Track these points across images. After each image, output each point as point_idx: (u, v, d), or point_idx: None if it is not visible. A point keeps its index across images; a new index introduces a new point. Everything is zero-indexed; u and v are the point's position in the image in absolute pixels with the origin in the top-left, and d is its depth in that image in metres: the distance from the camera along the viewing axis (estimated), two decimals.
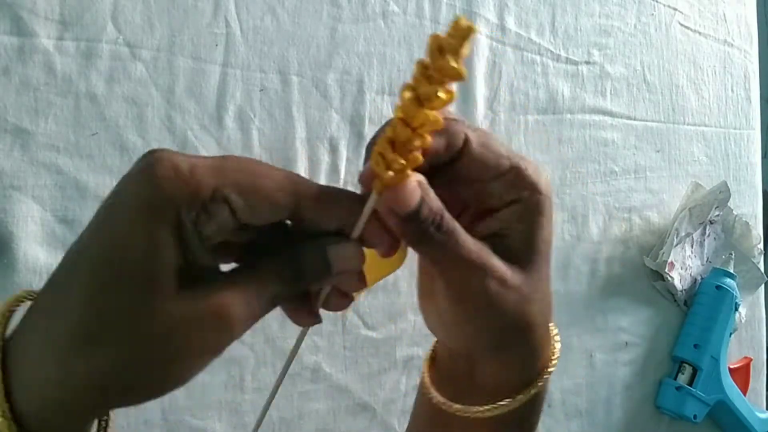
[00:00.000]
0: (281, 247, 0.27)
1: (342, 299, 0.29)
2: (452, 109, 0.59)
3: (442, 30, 0.59)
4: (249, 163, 0.25)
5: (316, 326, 0.31)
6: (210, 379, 0.49)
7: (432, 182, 0.28)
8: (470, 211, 0.31)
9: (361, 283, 0.29)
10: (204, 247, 0.24)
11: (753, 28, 0.78)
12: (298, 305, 0.29)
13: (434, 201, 0.27)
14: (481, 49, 0.61)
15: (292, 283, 0.26)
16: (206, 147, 0.50)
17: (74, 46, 0.46)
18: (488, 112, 0.61)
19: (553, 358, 0.32)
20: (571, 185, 0.64)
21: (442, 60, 0.24)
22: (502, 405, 0.30)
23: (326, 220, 0.27)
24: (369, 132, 0.55)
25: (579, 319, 0.63)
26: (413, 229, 0.27)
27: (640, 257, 0.67)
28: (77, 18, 0.46)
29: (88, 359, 0.23)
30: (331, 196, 0.27)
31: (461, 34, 0.24)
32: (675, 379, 0.65)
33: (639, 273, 0.67)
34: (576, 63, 0.66)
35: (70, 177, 0.46)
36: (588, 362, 0.63)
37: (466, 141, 0.28)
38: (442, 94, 0.25)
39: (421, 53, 0.58)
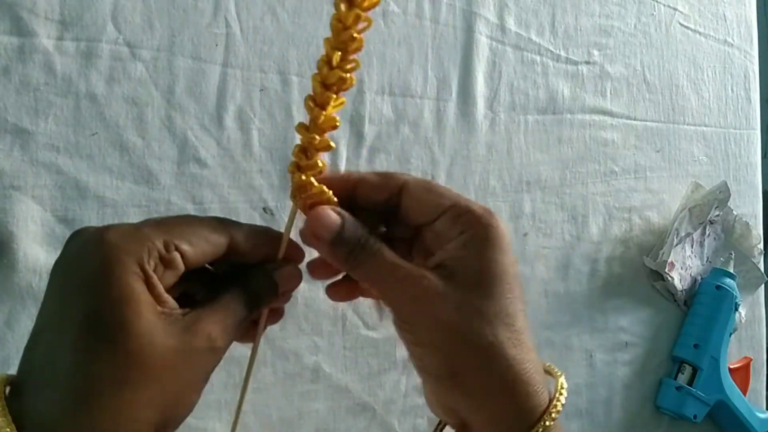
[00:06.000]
0: (234, 278, 0.30)
1: (275, 315, 0.33)
2: (452, 110, 0.59)
3: (442, 30, 0.59)
4: (184, 217, 0.29)
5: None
6: (210, 378, 0.49)
7: (379, 225, 0.30)
8: (421, 251, 0.31)
9: (288, 298, 0.33)
10: (168, 296, 0.27)
11: (753, 28, 0.78)
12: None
13: (357, 225, 0.29)
14: (481, 49, 0.61)
15: (251, 305, 0.29)
16: (206, 147, 0.50)
17: (74, 46, 0.46)
18: (488, 112, 0.61)
19: (552, 409, 0.28)
20: (571, 185, 0.64)
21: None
22: None
23: (257, 250, 0.30)
24: (369, 132, 0.55)
25: (579, 319, 0.63)
26: (342, 251, 0.29)
27: (640, 257, 0.67)
28: (77, 18, 0.46)
29: (96, 417, 0.24)
30: (258, 229, 0.31)
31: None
32: (675, 379, 0.65)
33: (639, 273, 0.67)
34: (576, 63, 0.66)
35: (70, 177, 0.46)
36: (588, 362, 0.63)
37: (406, 183, 0.30)
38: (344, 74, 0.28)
39: (420, 53, 0.58)
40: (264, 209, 0.51)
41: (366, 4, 0.27)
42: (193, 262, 0.28)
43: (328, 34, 0.28)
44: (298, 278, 0.32)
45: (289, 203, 0.31)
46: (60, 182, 0.45)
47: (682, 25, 0.73)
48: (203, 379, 0.28)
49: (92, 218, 0.46)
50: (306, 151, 0.29)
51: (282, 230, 0.32)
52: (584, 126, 0.66)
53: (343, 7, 0.27)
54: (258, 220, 0.51)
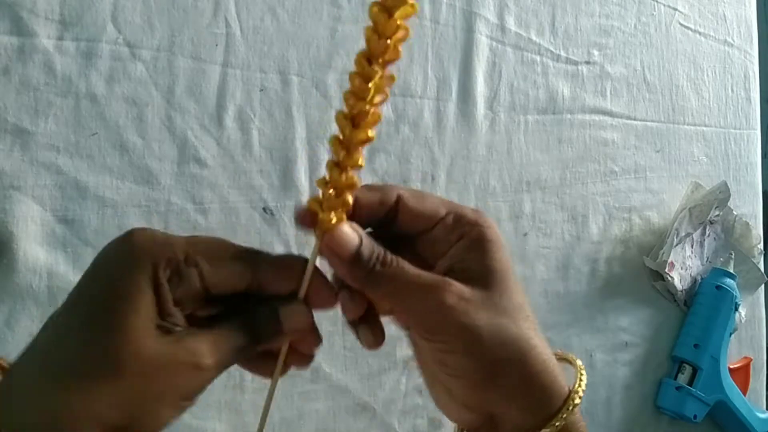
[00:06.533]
0: (243, 307, 0.29)
1: (302, 358, 0.32)
2: (452, 110, 0.59)
3: (442, 30, 0.59)
4: (215, 238, 0.29)
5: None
6: None
7: (378, 239, 0.30)
8: (422, 260, 0.31)
9: (317, 341, 0.32)
10: (177, 310, 0.27)
11: (753, 28, 0.78)
12: (261, 362, 0.32)
13: (373, 242, 0.29)
14: (481, 49, 0.61)
15: (251, 337, 0.29)
16: (206, 147, 0.50)
17: (74, 46, 0.46)
18: (488, 112, 0.61)
19: (578, 389, 0.30)
20: (571, 185, 0.64)
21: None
22: None
23: (283, 283, 0.29)
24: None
25: (579, 319, 0.63)
26: (360, 271, 0.29)
27: (640, 257, 0.67)
28: (77, 18, 0.46)
29: (73, 393, 0.24)
30: (286, 260, 0.30)
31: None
32: (675, 379, 0.65)
33: (639, 273, 0.67)
34: (576, 63, 0.66)
35: (70, 177, 0.46)
36: (588, 362, 0.63)
37: (400, 197, 0.30)
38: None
39: (420, 53, 0.58)
40: (264, 209, 0.51)
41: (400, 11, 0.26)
42: (211, 285, 0.28)
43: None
44: (305, 318, 0.30)
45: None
46: (60, 182, 0.45)
47: (682, 25, 0.73)
48: (182, 396, 0.27)
49: (92, 218, 0.46)
50: (336, 189, 0.29)
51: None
52: (584, 126, 0.65)
53: (381, 17, 0.27)
54: (258, 220, 0.51)
